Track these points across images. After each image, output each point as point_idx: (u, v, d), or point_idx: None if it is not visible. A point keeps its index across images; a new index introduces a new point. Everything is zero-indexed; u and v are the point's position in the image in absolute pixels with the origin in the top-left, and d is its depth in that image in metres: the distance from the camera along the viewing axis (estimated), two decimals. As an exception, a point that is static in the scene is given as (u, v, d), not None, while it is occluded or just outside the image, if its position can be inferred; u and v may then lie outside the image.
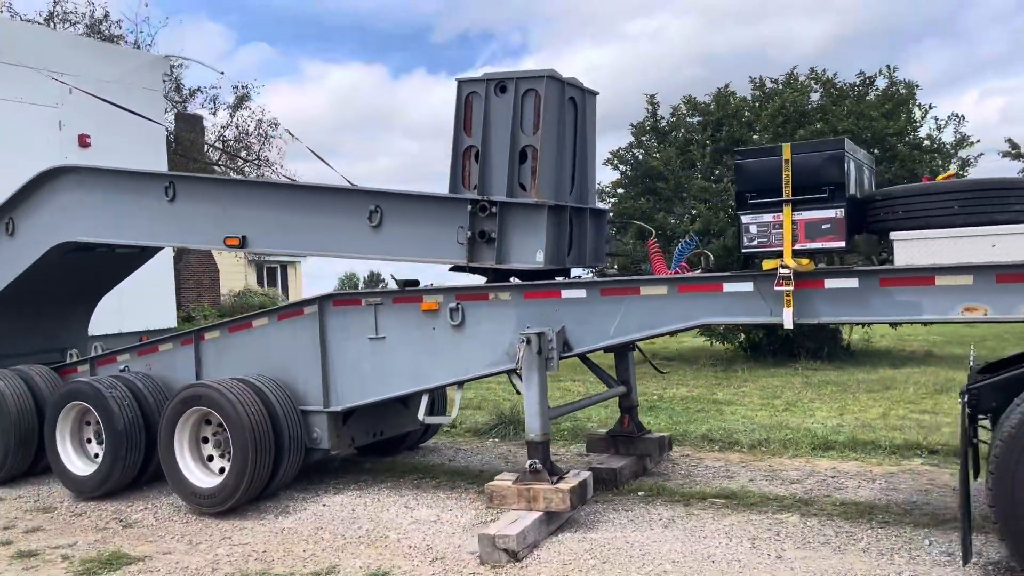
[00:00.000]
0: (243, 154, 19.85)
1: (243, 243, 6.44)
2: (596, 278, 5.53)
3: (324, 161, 7.71)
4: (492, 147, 5.54)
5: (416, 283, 5.87)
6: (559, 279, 5.58)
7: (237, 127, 19.69)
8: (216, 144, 19.92)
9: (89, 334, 8.95)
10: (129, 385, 6.43)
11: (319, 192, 6.16)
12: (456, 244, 5.55)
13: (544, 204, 5.30)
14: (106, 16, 16.87)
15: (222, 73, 11.57)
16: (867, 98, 15.31)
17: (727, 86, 16.00)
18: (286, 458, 5.84)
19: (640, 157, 16.40)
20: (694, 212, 13.78)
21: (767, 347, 14.47)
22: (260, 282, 36.93)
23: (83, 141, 9.99)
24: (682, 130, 16.40)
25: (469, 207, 5.43)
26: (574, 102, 5.74)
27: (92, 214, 7.19)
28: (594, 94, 5.98)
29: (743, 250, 4.65)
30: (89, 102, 9.98)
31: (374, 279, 60.37)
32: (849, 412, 8.66)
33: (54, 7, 16.71)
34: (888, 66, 14.86)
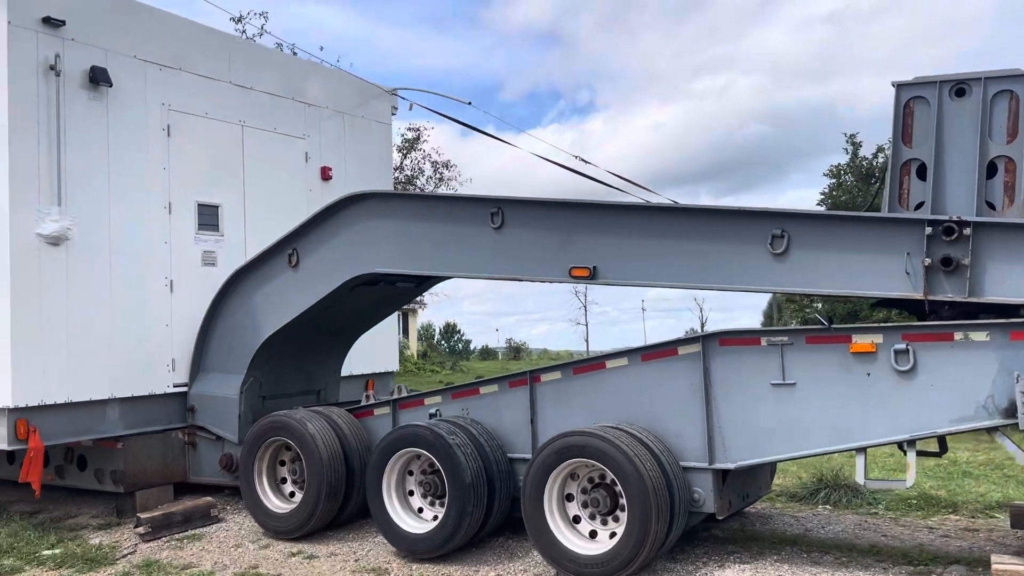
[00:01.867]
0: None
1: (593, 274, 5.78)
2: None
3: (640, 186, 7.05)
4: (947, 159, 4.74)
5: (831, 320, 5.06)
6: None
7: (409, 169, 19.54)
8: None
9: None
10: (466, 431, 5.78)
11: (697, 215, 5.46)
12: (901, 273, 4.73)
13: (1040, 225, 4.45)
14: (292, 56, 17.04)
15: (469, 103, 11.06)
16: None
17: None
18: (676, 523, 5.04)
19: (844, 199, 15.44)
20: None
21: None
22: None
23: (325, 174, 9.66)
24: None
25: (928, 229, 4.61)
26: (1034, 107, 4.91)
27: (396, 243, 6.70)
28: (1040, 100, 5.13)
29: None
30: (330, 134, 9.70)
31: (449, 330, 59.25)
32: None
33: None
34: None
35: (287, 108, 9.18)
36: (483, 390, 6.20)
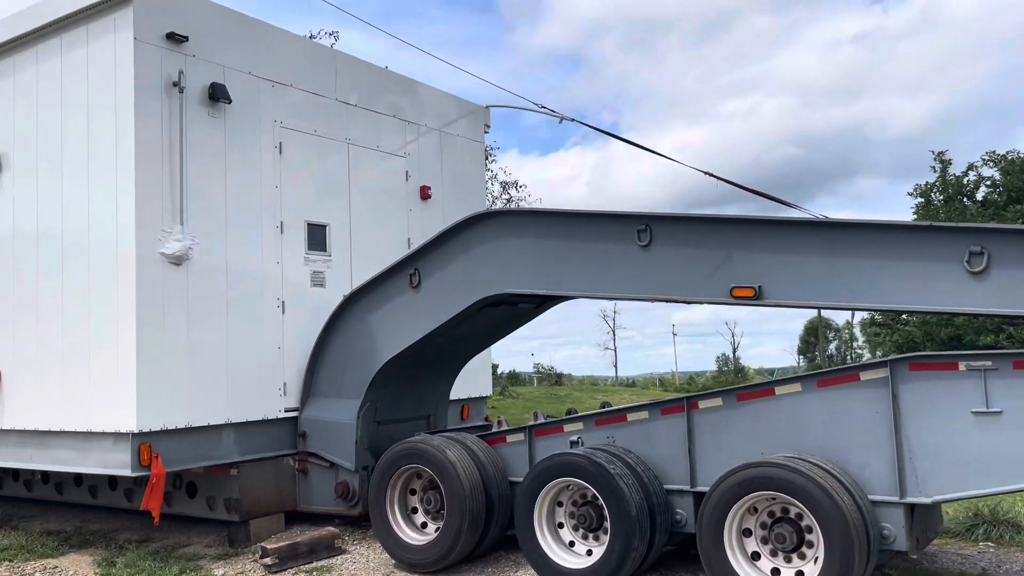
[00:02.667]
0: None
1: (759, 295, 5.52)
2: None
3: (788, 203, 6.79)
4: None
5: (1038, 344, 4.75)
6: None
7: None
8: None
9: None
10: (622, 460, 5.53)
11: (880, 231, 5.17)
12: None
13: None
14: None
15: (572, 119, 10.82)
16: None
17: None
18: (871, 561, 4.73)
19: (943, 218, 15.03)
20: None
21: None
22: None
23: (425, 193, 9.53)
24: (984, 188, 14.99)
25: None
26: None
27: (529, 263, 6.49)
28: None
29: None
30: (427, 153, 9.57)
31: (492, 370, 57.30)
32: None
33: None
34: None
35: (388, 126, 9.08)
36: (631, 417, 5.94)
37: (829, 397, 5.19)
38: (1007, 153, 14.84)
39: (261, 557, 6.40)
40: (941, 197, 15.39)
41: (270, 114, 7.75)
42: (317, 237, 8.15)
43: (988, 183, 15.19)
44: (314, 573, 6.24)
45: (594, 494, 5.51)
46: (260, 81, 7.67)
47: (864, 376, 5.09)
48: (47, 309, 7.20)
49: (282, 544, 6.46)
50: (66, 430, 6.99)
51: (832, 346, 71.87)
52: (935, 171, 15.65)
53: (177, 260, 6.82)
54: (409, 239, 9.24)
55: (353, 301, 7.53)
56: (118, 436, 6.65)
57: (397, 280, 7.24)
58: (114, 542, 7.59)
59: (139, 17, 6.72)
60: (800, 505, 4.70)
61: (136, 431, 6.48)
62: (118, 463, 6.65)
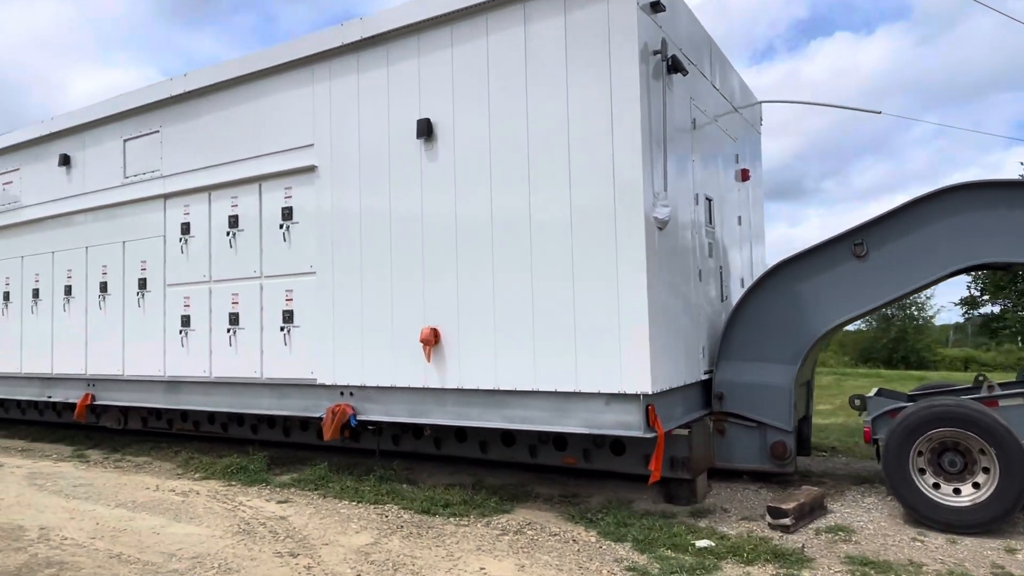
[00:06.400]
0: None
1: None
2: None
3: None
4: None
5: None
6: None
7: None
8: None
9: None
10: None
11: None
12: None
13: None
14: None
15: (879, 112, 9.71)
16: None
17: None
18: None
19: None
20: None
21: None
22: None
23: (744, 175, 8.38)
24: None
25: None
26: None
27: (1018, 233, 5.41)
28: None
29: None
30: (745, 139, 8.41)
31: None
32: None
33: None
34: None
35: (727, 110, 7.89)
36: None
37: None
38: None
39: (775, 518, 5.26)
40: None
41: (688, 92, 6.54)
42: (708, 211, 6.97)
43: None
44: (840, 533, 5.11)
45: None
46: (685, 60, 6.44)
47: None
48: (509, 274, 5.93)
49: (793, 504, 5.32)
50: (540, 390, 5.76)
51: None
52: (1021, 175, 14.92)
53: (662, 225, 5.62)
54: (740, 216, 8.11)
55: (779, 270, 6.38)
56: (612, 397, 5.45)
57: (837, 251, 6.11)
58: (539, 496, 6.39)
59: (637, -16, 5.46)
60: None
61: (650, 392, 5.29)
62: (619, 424, 5.45)
